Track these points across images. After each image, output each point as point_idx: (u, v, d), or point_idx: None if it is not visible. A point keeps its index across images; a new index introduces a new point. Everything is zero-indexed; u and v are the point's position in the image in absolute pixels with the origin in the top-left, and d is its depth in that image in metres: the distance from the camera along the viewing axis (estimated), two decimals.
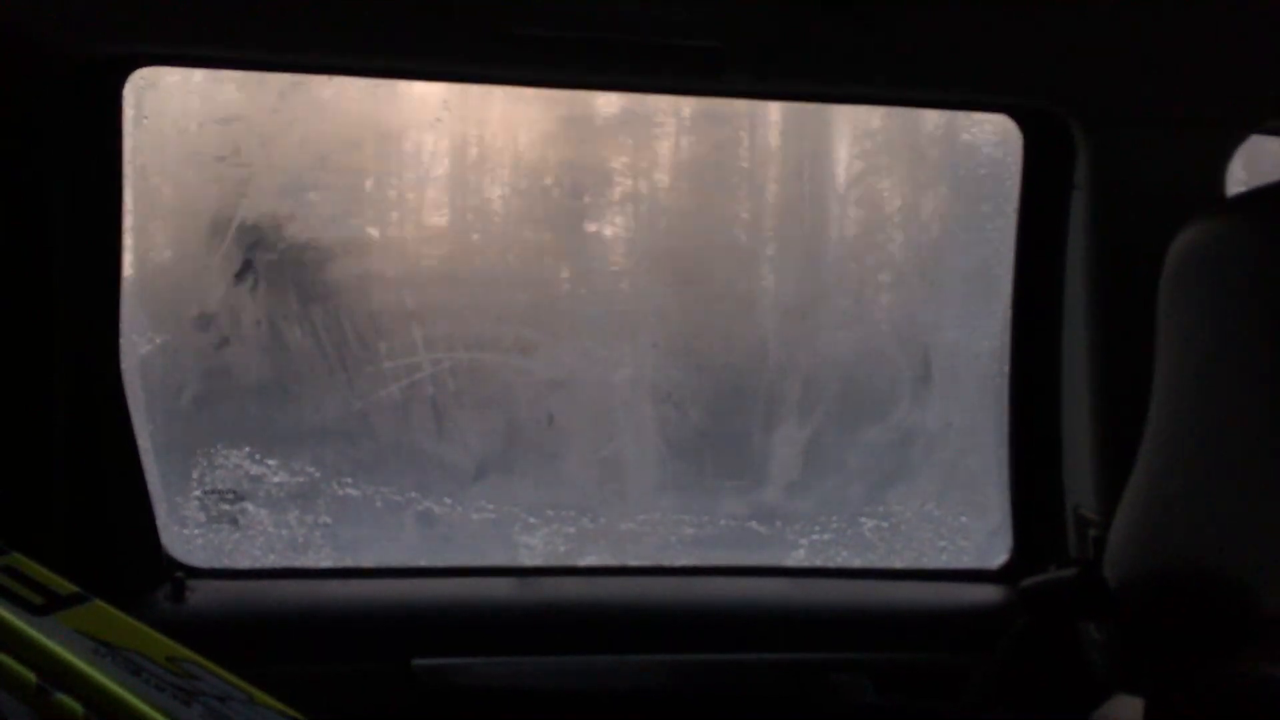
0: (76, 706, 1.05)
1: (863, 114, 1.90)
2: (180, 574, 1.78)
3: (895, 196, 1.97)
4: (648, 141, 1.88)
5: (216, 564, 1.85)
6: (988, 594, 1.95)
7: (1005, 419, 1.93)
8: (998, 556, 1.97)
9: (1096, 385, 1.77)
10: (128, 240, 1.69)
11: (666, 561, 1.95)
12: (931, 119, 1.92)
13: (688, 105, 1.85)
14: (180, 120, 1.71)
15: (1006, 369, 1.93)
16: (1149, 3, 1.58)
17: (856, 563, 1.99)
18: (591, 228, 1.88)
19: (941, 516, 2.01)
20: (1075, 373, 1.82)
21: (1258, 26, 1.61)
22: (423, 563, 1.90)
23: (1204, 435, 1.17)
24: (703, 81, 1.70)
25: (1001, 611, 1.90)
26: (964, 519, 2.01)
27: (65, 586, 1.20)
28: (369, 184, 1.80)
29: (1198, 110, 1.71)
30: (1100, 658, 1.66)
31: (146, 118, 1.68)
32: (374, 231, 1.82)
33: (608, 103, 1.84)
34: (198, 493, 1.84)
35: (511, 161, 1.82)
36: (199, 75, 1.70)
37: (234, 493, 1.84)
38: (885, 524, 2.00)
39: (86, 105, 1.64)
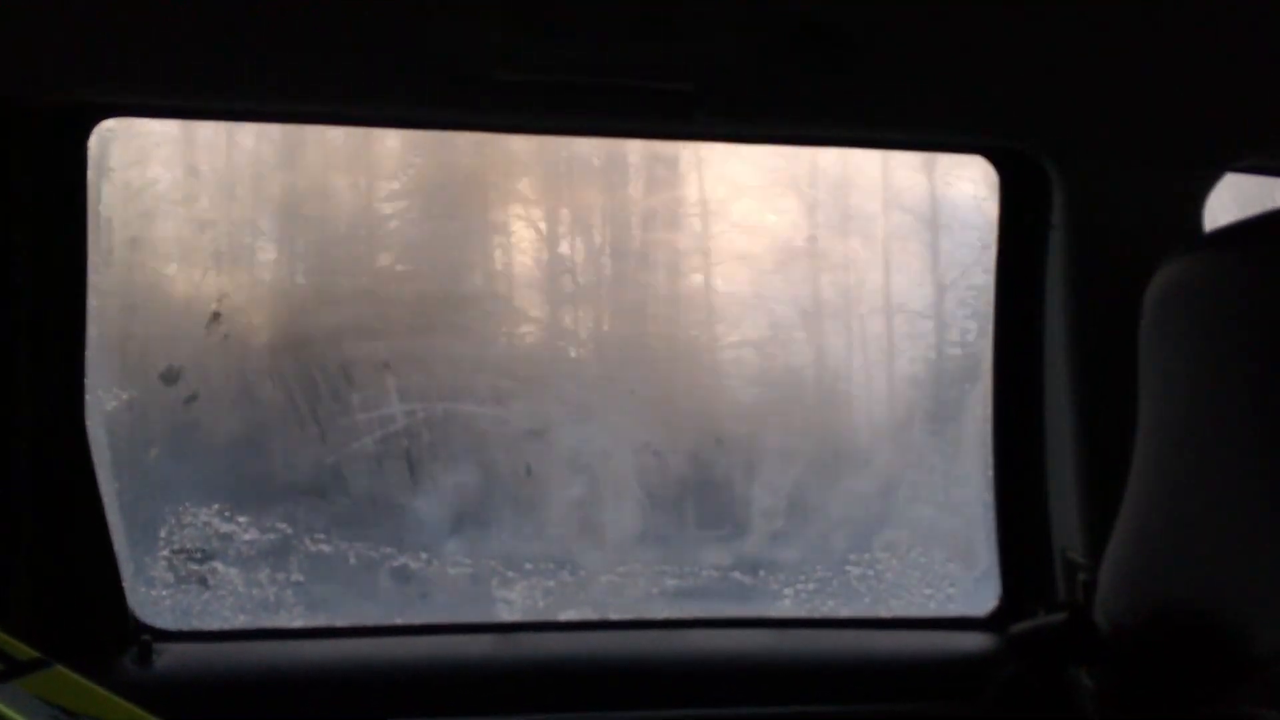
0: None
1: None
2: (147, 636, 1.72)
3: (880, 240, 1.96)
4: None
5: (185, 625, 1.80)
6: (977, 641, 1.91)
7: (990, 462, 1.90)
8: (986, 603, 1.94)
9: (1079, 426, 1.75)
10: (91, 293, 1.66)
11: (649, 614, 1.90)
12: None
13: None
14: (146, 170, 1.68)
15: (989, 413, 1.90)
16: (1121, 43, 1.58)
17: (843, 612, 1.96)
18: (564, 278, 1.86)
19: (928, 563, 1.97)
20: (1058, 414, 1.80)
21: (1232, 65, 1.62)
22: (398, 620, 1.85)
23: (1191, 472, 1.14)
24: (675, 125, 1.69)
25: (992, 659, 1.87)
26: (951, 565, 1.97)
27: (25, 652, 1.17)
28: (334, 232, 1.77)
29: (1173, 148, 1.71)
30: (1092, 705, 1.62)
31: (112, 169, 1.66)
32: (345, 281, 1.79)
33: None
34: (165, 552, 1.79)
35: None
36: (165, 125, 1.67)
37: (202, 551, 1.80)
38: (871, 572, 1.96)
39: (49, 156, 1.61)
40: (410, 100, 1.61)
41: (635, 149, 1.84)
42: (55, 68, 1.52)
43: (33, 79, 1.54)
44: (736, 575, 1.94)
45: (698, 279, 1.90)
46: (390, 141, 1.78)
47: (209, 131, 1.71)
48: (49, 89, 1.56)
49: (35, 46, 1.46)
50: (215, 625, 1.81)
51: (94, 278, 1.67)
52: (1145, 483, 1.25)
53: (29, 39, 1.44)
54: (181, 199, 1.71)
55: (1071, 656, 1.46)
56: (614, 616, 1.90)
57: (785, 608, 1.95)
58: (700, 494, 1.95)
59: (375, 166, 1.79)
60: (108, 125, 1.64)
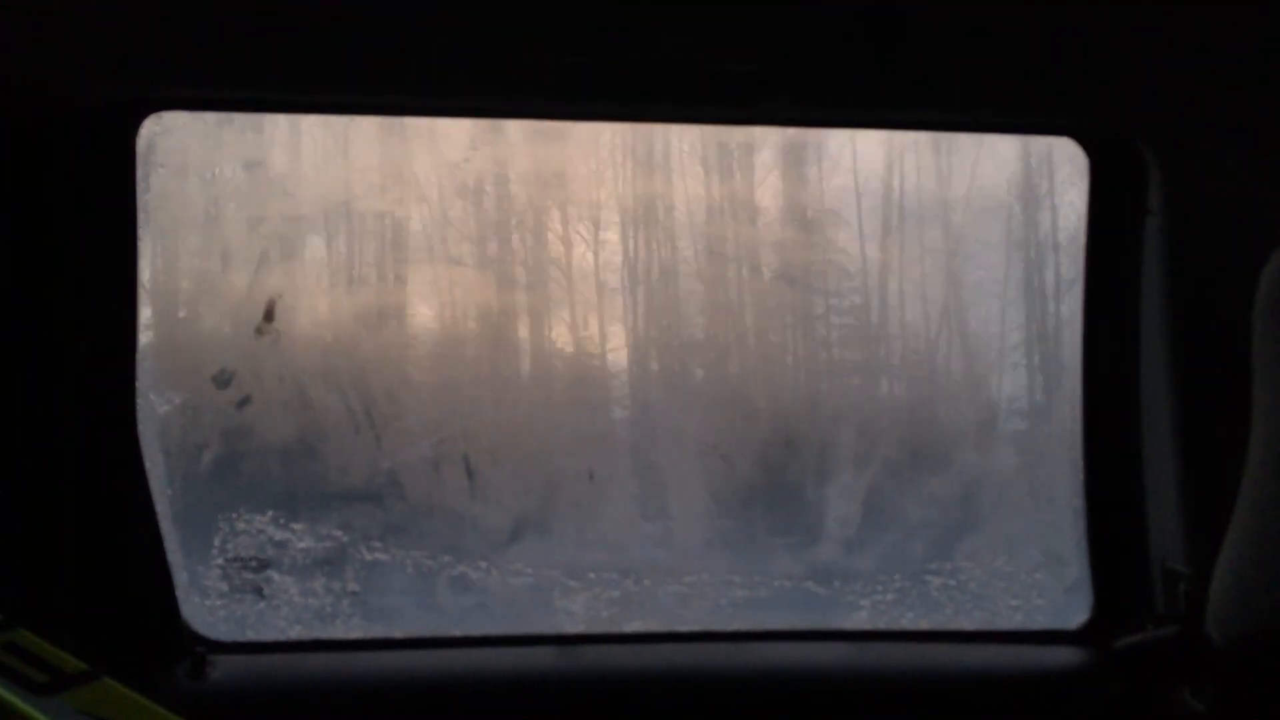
0: None
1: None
2: (201, 648, 1.69)
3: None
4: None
5: (239, 637, 1.75)
6: (1067, 657, 1.80)
7: (1080, 465, 1.80)
8: (1077, 616, 1.83)
9: (1181, 425, 1.64)
10: (141, 291, 1.62)
11: (717, 626, 1.83)
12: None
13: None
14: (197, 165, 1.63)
15: (1080, 409, 1.79)
16: (1221, 13, 1.47)
17: (923, 625, 1.87)
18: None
19: (1014, 573, 1.87)
20: (1157, 413, 1.68)
21: None
22: (457, 632, 1.79)
23: None
24: (741, 110, 1.61)
25: (1083, 675, 1.77)
26: (1039, 575, 1.87)
27: (72, 664, 1.14)
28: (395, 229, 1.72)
29: None
30: None
31: (162, 165, 1.61)
32: (402, 280, 1.74)
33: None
34: (219, 561, 1.75)
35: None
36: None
37: (258, 560, 1.75)
38: (953, 582, 1.86)
39: (98, 152, 1.58)
40: (462, 90, 1.55)
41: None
42: (100, 63, 1.48)
43: (78, 75, 1.50)
44: (810, 585, 1.85)
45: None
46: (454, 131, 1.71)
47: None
48: (95, 84, 1.52)
49: (80, 42, 1.42)
50: (271, 636, 1.76)
51: (144, 277, 1.64)
52: (1264, 483, 1.15)
53: (74, 34, 1.40)
54: (234, 195, 1.66)
55: (1183, 675, 1.35)
56: (681, 629, 1.82)
57: (862, 620, 1.87)
58: (770, 499, 1.86)
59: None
60: (156, 120, 1.60)
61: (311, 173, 1.66)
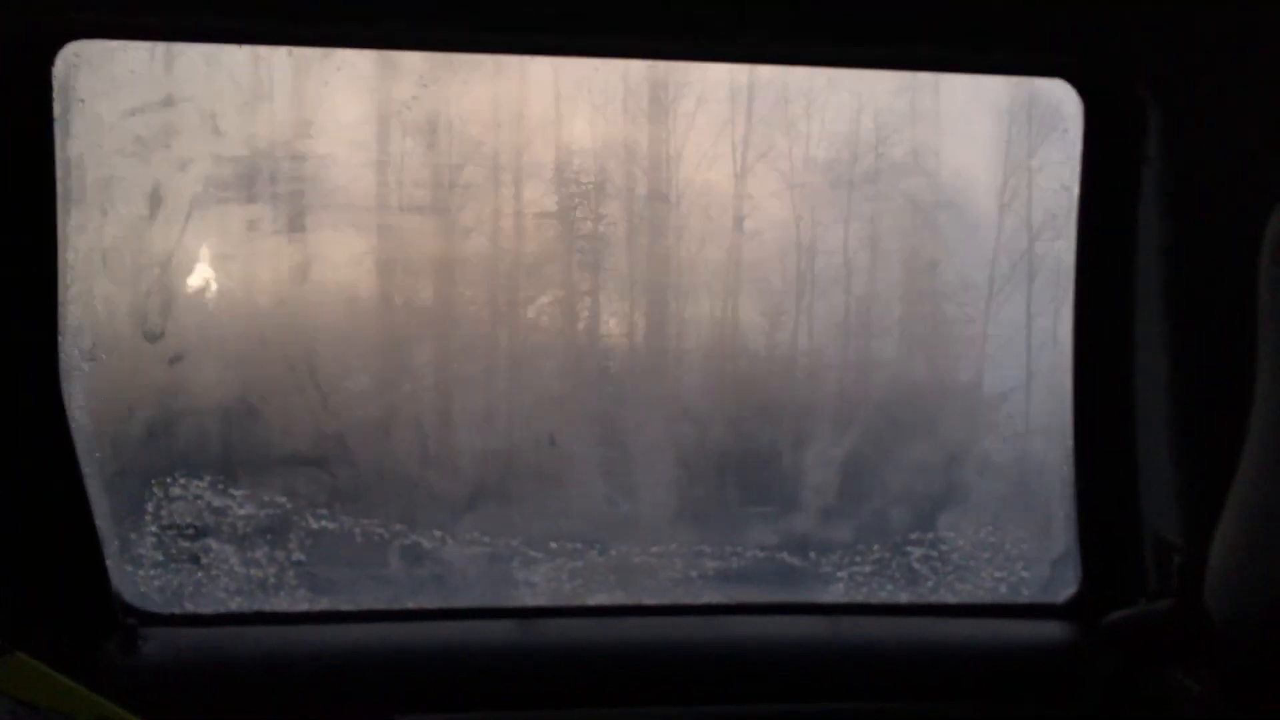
0: None
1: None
2: (133, 620, 1.60)
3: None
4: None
5: (175, 609, 1.66)
6: (1053, 631, 1.74)
7: (1069, 431, 1.70)
8: (1064, 589, 1.76)
9: (1177, 389, 1.54)
10: (61, 238, 1.51)
11: (686, 599, 1.75)
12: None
13: None
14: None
15: (1069, 374, 1.70)
16: None
17: (903, 598, 1.79)
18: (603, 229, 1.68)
19: (999, 543, 1.78)
20: (1151, 375, 1.59)
21: None
22: (410, 605, 1.70)
23: None
24: (716, 47, 1.51)
25: (1070, 651, 1.71)
26: (1025, 546, 1.78)
27: None
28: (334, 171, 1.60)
29: None
30: (1195, 711, 1.42)
31: (82, 100, 1.49)
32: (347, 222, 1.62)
33: None
34: (153, 529, 1.65)
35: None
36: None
37: (194, 528, 1.65)
38: (934, 553, 1.78)
39: (8, 87, 1.45)
40: (426, 20, 1.43)
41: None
42: None
43: None
44: (784, 556, 1.76)
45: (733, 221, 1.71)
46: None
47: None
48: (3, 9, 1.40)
49: None
50: (208, 609, 1.66)
51: (65, 225, 1.52)
52: (1268, 450, 1.06)
53: None
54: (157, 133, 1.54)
55: (1178, 653, 1.27)
56: (648, 601, 1.74)
57: (838, 593, 1.78)
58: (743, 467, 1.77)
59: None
60: (73, 49, 1.47)
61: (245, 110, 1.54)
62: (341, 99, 1.56)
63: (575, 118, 1.65)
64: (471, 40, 1.52)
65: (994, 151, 1.72)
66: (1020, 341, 1.79)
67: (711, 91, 1.67)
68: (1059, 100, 1.63)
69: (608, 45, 1.56)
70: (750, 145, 1.69)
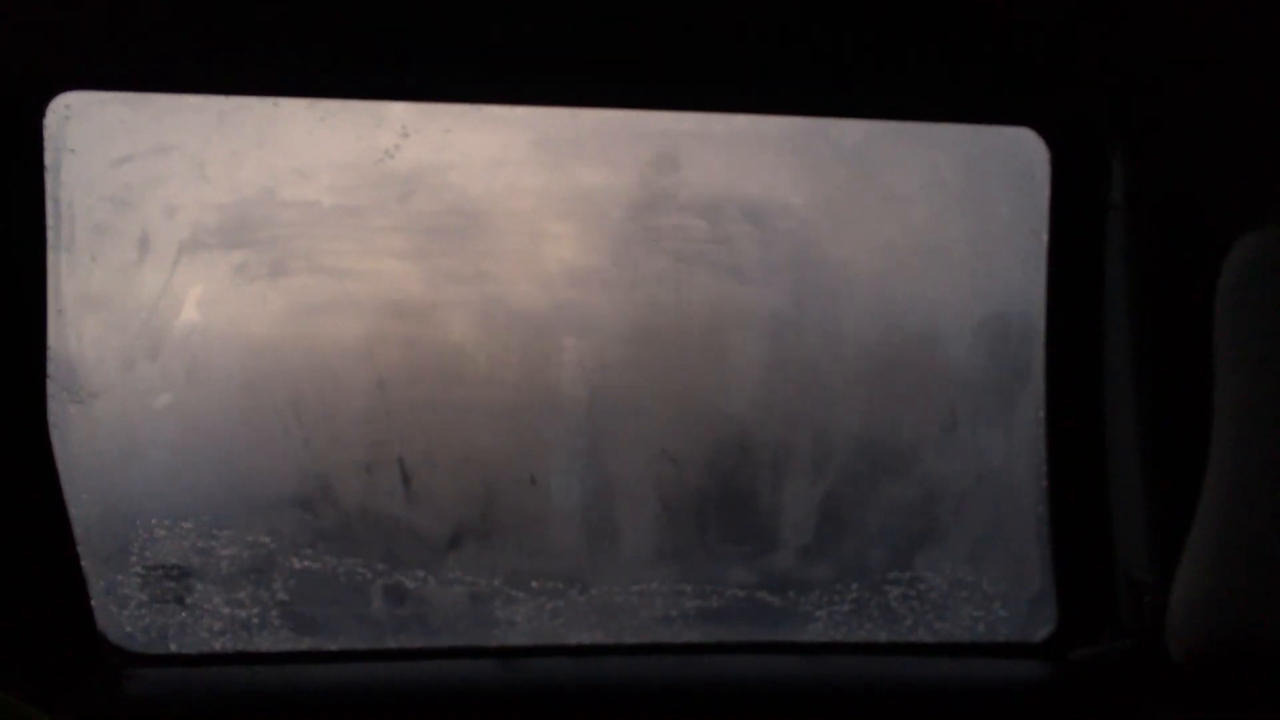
0: None
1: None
2: (118, 660, 1.61)
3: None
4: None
5: (160, 649, 1.67)
6: (1030, 670, 1.74)
7: (1044, 470, 1.73)
8: (1041, 628, 1.76)
9: (1146, 428, 1.57)
10: (52, 284, 1.54)
11: (666, 638, 1.75)
12: None
13: None
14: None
15: (1042, 414, 1.72)
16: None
17: (882, 636, 1.79)
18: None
19: (976, 583, 1.80)
20: (1121, 414, 1.61)
21: None
22: (393, 644, 1.71)
23: None
24: (680, 97, 1.55)
25: (1046, 689, 1.71)
26: (1002, 585, 1.79)
27: None
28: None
29: (1252, 106, 1.51)
30: None
31: (73, 150, 1.53)
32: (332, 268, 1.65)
33: None
34: (138, 568, 1.66)
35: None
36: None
37: (179, 568, 1.66)
38: (913, 592, 1.79)
39: (1, 138, 1.49)
40: (411, 71, 1.47)
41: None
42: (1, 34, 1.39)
43: None
44: (763, 595, 1.77)
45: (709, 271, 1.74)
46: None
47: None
48: None
49: None
50: (193, 649, 1.68)
51: (54, 270, 1.55)
52: (1226, 486, 1.09)
53: None
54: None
55: (1138, 690, 1.28)
56: (628, 640, 1.74)
57: (817, 631, 1.79)
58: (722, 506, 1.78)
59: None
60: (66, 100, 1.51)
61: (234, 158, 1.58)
62: (324, 147, 1.60)
63: (556, 168, 1.69)
64: (455, 90, 1.56)
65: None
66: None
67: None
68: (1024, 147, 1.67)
69: (584, 97, 1.60)
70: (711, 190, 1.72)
